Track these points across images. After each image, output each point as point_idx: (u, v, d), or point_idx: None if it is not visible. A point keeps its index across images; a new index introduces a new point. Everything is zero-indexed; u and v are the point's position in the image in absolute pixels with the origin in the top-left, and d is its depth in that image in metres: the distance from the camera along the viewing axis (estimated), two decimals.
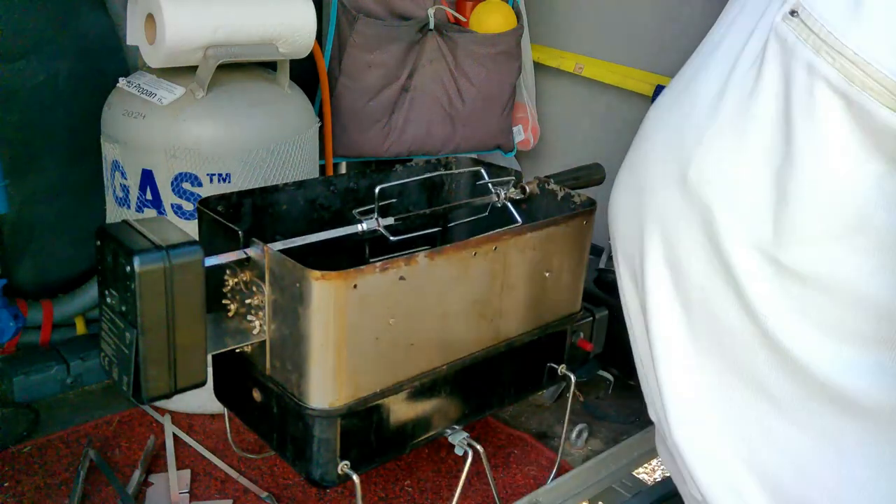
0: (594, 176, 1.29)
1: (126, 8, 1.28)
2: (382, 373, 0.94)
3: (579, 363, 1.27)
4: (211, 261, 0.88)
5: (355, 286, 0.87)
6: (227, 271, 0.94)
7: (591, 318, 1.27)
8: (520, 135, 1.95)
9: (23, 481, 1.18)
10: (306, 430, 0.92)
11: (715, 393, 0.87)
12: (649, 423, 1.43)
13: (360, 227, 1.05)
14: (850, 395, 0.76)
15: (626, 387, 1.54)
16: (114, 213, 1.31)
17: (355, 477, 0.94)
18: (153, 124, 1.22)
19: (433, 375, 1.00)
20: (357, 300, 0.87)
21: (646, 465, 2.41)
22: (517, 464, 1.31)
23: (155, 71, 1.27)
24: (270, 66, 1.36)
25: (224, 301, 0.95)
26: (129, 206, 1.27)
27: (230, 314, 0.95)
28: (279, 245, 0.93)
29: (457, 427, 1.07)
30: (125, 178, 1.26)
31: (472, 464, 1.05)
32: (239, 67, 1.30)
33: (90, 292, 1.53)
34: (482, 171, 1.23)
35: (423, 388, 1.01)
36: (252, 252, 0.91)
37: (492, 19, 1.77)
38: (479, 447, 1.05)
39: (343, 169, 1.78)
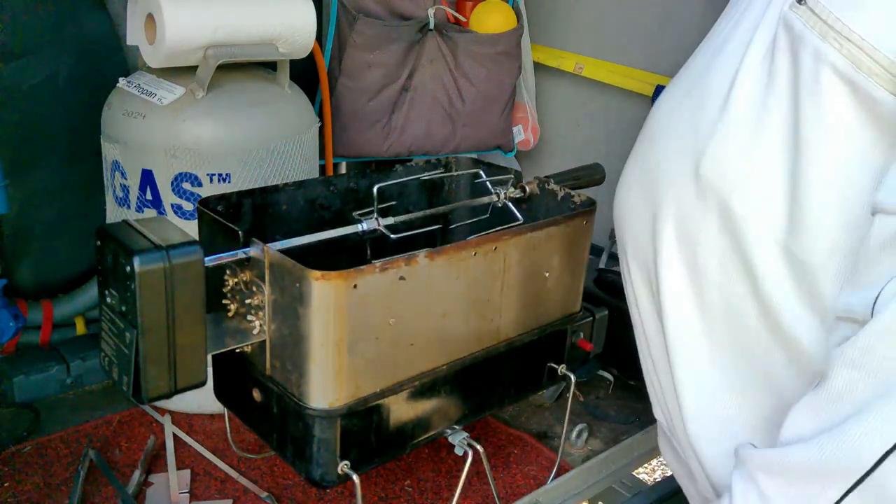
0: (594, 176, 1.29)
1: (126, 8, 1.28)
2: (382, 373, 0.95)
3: (579, 363, 1.27)
4: (211, 261, 0.88)
5: (355, 286, 0.87)
6: (227, 271, 0.94)
7: (591, 318, 1.27)
8: (520, 135, 1.96)
9: (23, 481, 1.18)
10: (306, 430, 0.92)
11: (732, 389, 0.87)
12: (649, 423, 1.44)
13: (360, 227, 1.05)
14: None
15: (626, 387, 1.55)
16: (114, 213, 1.31)
17: (355, 477, 0.94)
18: (153, 124, 1.22)
19: (433, 375, 1.00)
20: (357, 300, 0.87)
21: (646, 465, 2.42)
22: (517, 464, 1.31)
23: (155, 71, 1.27)
24: (270, 66, 1.36)
25: (224, 301, 0.95)
26: (129, 206, 1.27)
27: (230, 314, 0.95)
28: (279, 245, 0.93)
29: (457, 427, 1.07)
30: (125, 178, 1.26)
31: (472, 464, 1.05)
32: (239, 67, 1.30)
33: (90, 292, 1.53)
34: (481, 171, 1.23)
35: (423, 388, 1.01)
36: (252, 252, 0.91)
37: (492, 19, 1.77)
38: (479, 447, 1.05)
39: (343, 169, 1.78)
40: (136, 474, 1.19)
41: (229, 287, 0.95)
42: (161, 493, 1.17)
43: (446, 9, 1.74)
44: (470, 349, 1.04)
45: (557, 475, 1.27)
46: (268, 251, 0.89)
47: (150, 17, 1.21)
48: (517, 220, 1.16)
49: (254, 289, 0.92)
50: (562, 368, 1.20)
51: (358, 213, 1.06)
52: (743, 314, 0.83)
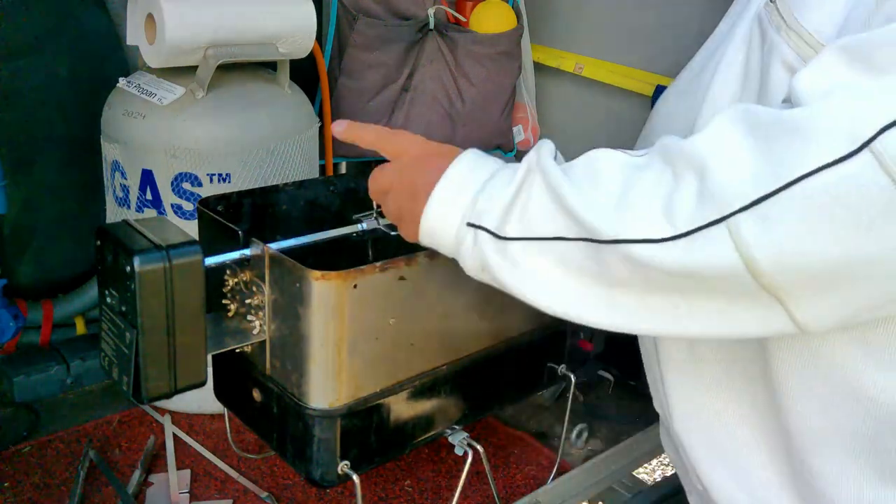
0: None
1: (126, 8, 1.28)
2: (382, 373, 0.94)
3: (579, 363, 1.27)
4: (211, 261, 0.88)
5: (355, 286, 0.87)
6: (227, 271, 0.94)
7: None
8: (520, 135, 1.95)
9: (23, 481, 1.18)
10: (306, 430, 0.92)
11: (717, 385, 0.87)
12: (649, 423, 1.44)
13: (360, 227, 1.05)
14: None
15: (626, 387, 1.54)
16: (114, 213, 1.31)
17: (355, 477, 0.94)
18: (153, 124, 1.22)
19: (433, 375, 1.00)
20: (357, 300, 0.87)
21: (646, 465, 2.42)
22: (517, 464, 1.31)
23: (155, 71, 1.27)
24: (270, 66, 1.36)
25: (224, 301, 0.95)
26: (129, 206, 1.27)
27: (230, 314, 0.95)
28: (279, 245, 0.93)
29: (457, 427, 1.07)
30: (125, 178, 1.26)
31: (472, 464, 1.05)
32: (239, 67, 1.30)
33: (90, 292, 1.53)
34: None
35: (424, 388, 1.01)
36: (252, 252, 0.91)
37: (492, 19, 1.77)
38: (479, 447, 1.05)
39: (343, 169, 1.78)
40: (136, 474, 1.19)
41: (229, 287, 0.94)
42: (161, 493, 1.17)
43: (446, 9, 1.74)
44: (470, 349, 1.04)
45: (557, 475, 1.27)
46: (268, 251, 0.89)
47: (150, 16, 1.21)
48: None
49: (254, 289, 0.92)
50: (562, 368, 1.20)
51: (358, 214, 1.06)
52: None
